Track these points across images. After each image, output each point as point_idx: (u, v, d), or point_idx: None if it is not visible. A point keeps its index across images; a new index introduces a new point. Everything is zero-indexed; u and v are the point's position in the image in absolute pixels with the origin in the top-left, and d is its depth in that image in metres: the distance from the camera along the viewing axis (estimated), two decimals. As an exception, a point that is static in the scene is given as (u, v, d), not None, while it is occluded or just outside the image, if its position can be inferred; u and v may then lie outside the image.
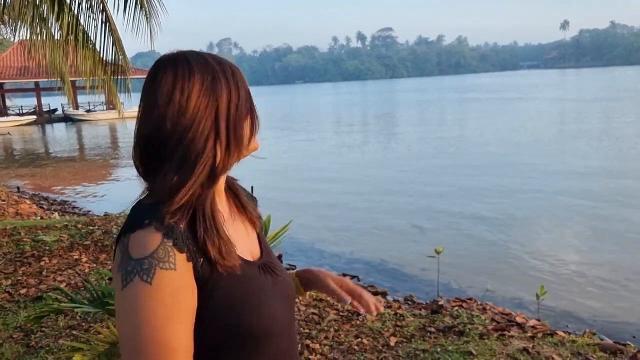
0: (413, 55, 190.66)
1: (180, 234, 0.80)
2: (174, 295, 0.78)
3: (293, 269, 6.08)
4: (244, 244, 0.96)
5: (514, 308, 4.65)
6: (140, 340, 0.76)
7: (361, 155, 16.24)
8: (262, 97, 78.97)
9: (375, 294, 5.42)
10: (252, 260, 0.96)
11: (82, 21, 7.06)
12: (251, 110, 0.92)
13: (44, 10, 6.82)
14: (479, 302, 4.45)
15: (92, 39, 7.17)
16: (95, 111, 38.64)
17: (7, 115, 38.04)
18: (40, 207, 9.93)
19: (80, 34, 6.99)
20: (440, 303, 3.99)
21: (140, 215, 0.82)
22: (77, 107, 38.25)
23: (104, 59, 7.36)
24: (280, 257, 6.87)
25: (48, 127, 36.09)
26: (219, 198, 0.94)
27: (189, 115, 0.83)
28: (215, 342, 0.86)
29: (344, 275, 6.19)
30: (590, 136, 17.10)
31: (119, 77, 7.50)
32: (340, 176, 12.71)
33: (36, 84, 37.27)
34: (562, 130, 19.89)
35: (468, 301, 4.39)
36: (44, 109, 39.55)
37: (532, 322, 3.74)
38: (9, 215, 8.33)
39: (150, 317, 0.76)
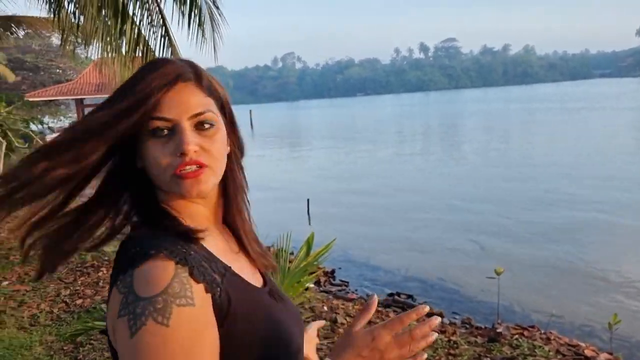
0: (477, 65, 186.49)
1: (197, 264, 0.69)
2: (194, 336, 0.65)
3: (346, 285, 5.87)
4: (250, 274, 0.86)
5: (583, 338, 4.27)
6: None
7: (421, 170, 15.87)
8: (322, 110, 79.67)
9: (429, 314, 5.15)
10: (260, 287, 0.86)
11: (145, 36, 7.35)
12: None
13: (111, 28, 7.13)
14: (542, 331, 4.10)
15: (154, 53, 7.44)
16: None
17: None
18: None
19: (142, 47, 7.25)
20: (498, 330, 3.69)
21: (141, 245, 0.70)
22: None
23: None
24: (333, 272, 6.74)
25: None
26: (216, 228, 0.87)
27: None
28: None
29: (398, 294, 5.97)
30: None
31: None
32: (398, 191, 12.46)
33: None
34: (628, 143, 18.62)
35: (530, 329, 4.06)
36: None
37: (603, 356, 3.39)
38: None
39: None
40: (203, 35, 7.31)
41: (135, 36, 7.20)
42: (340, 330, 3.52)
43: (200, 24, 7.29)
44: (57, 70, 42.03)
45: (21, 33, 14.29)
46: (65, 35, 7.34)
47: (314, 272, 3.19)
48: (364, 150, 21.59)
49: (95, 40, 6.93)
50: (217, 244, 0.82)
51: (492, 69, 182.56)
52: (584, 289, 5.86)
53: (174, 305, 0.64)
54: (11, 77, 32.09)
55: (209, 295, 0.69)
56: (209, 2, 6.94)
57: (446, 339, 3.46)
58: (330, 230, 8.98)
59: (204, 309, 0.68)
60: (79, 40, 7.71)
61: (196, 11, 6.94)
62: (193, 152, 0.75)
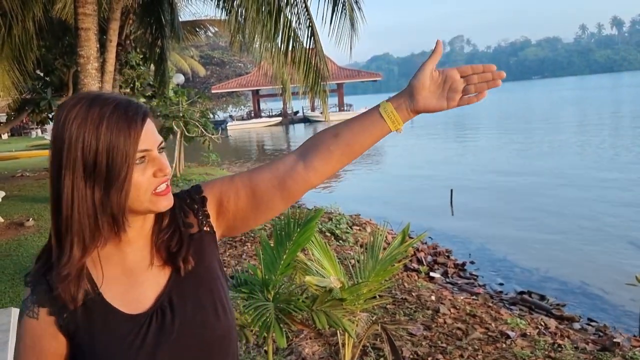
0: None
1: (42, 293, 0.94)
2: (33, 338, 0.95)
3: (475, 279, 5.74)
4: (144, 293, 0.98)
5: None
6: None
7: (586, 159, 14.27)
8: (489, 95, 74.96)
9: (559, 318, 4.86)
10: (139, 313, 0.96)
11: (298, 35, 8.00)
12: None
13: (271, 30, 7.86)
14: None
15: (304, 48, 8.08)
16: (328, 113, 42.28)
17: (260, 117, 44.80)
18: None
19: (293, 44, 7.91)
20: (616, 340, 3.39)
21: (30, 272, 0.99)
22: (313, 109, 42.44)
23: (315, 67, 8.23)
24: (463, 265, 6.65)
25: (291, 127, 40.98)
26: (121, 248, 0.97)
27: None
28: None
29: (530, 293, 5.68)
30: None
31: (323, 82, 8.26)
32: (552, 182, 11.47)
33: (283, 89, 42.49)
34: None
35: (661, 344, 3.63)
36: (289, 111, 45.11)
37: None
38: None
39: (16, 348, 0.97)
40: (352, 26, 7.73)
41: (287, 33, 7.88)
42: (441, 320, 3.58)
43: (349, 17, 7.72)
44: (239, 64, 46.63)
45: (210, 33, 16.32)
46: (232, 35, 8.34)
47: (402, 260, 3.36)
48: (530, 141, 20.10)
49: (256, 38, 7.81)
50: (114, 267, 0.97)
51: None
52: None
53: (25, 315, 0.96)
54: (202, 71, 36.58)
55: (53, 317, 0.94)
56: (352, 2, 7.28)
57: (551, 341, 3.30)
58: (469, 223, 8.75)
59: (44, 324, 0.94)
60: (245, 38, 8.69)
61: (339, 10, 7.35)
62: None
